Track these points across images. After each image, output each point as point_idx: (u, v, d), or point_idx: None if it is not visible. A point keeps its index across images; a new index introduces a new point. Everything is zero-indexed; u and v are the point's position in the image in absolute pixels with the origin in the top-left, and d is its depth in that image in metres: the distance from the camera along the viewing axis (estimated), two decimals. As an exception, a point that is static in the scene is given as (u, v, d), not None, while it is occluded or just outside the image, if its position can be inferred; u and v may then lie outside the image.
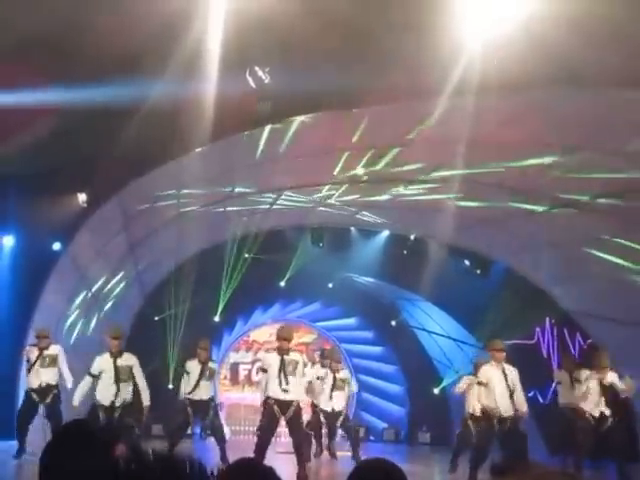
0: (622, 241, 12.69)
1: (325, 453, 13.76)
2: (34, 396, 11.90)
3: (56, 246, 14.05)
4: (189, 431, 15.72)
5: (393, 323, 20.14)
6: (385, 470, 2.68)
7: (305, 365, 10.77)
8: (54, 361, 12.12)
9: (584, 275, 14.19)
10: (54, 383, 12.02)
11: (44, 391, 11.92)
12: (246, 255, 17.54)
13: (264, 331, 21.37)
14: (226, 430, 20.04)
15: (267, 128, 11.03)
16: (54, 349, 12.18)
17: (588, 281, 14.12)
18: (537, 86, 8.66)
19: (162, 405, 14.04)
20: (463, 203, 13.69)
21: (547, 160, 11.07)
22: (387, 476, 2.63)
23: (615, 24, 7.28)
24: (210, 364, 12.53)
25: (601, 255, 13.42)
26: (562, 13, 6.95)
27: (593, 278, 13.91)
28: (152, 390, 12.31)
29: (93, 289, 15.77)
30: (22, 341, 13.33)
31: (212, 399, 12.46)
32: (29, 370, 12.05)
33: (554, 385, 13.16)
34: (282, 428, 11.24)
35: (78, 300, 15.46)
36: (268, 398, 10.28)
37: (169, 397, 12.60)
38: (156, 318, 18.01)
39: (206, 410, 12.19)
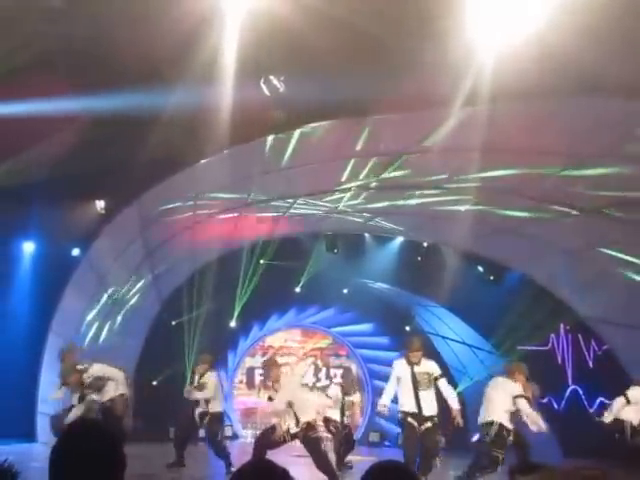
0: (638, 247, 12.69)
1: None
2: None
3: (75, 252, 14.27)
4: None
5: (408, 329, 20.17)
6: (398, 472, 2.76)
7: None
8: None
9: (599, 281, 14.17)
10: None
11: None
12: (262, 261, 17.64)
13: (279, 336, 21.50)
14: (242, 434, 20.22)
15: (283, 136, 11.15)
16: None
17: (603, 287, 14.10)
18: (551, 95, 8.72)
19: (179, 409, 14.12)
20: (477, 209, 13.74)
21: (562, 168, 11.11)
22: (401, 478, 2.71)
23: (628, 34, 7.34)
24: (205, 378, 12.15)
25: (616, 261, 13.42)
26: (575, 23, 7.01)
27: (608, 284, 13.90)
28: (169, 395, 12.44)
29: (111, 294, 15.93)
30: (42, 345, 13.53)
31: (206, 412, 12.04)
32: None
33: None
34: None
35: (97, 305, 15.62)
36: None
37: (186, 401, 12.68)
38: (173, 323, 18.14)
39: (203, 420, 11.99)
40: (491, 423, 10.07)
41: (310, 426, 9.71)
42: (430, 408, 9.67)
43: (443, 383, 9.95)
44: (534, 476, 1.37)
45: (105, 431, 2.53)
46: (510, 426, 10.06)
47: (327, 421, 13.40)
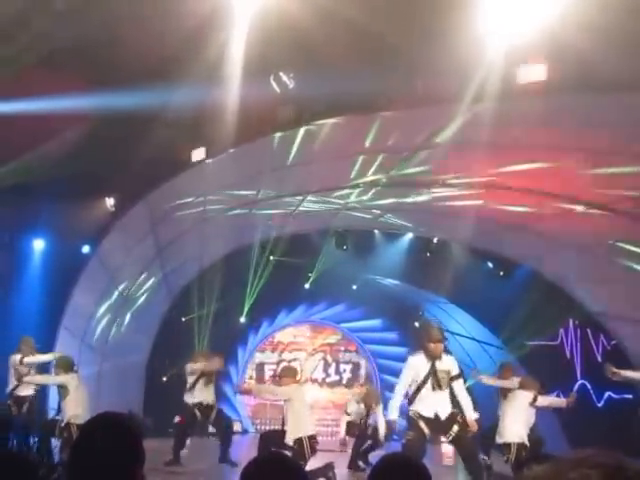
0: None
1: None
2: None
3: (85, 249, 14.36)
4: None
5: (417, 325, 20.20)
6: (407, 464, 2.80)
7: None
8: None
9: (609, 276, 14.15)
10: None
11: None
12: (271, 258, 17.68)
13: (289, 332, 21.57)
14: (251, 429, 20.31)
15: (292, 132, 11.17)
16: None
17: (613, 282, 14.08)
18: (561, 91, 8.71)
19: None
20: (486, 205, 13.74)
21: (573, 163, 11.09)
22: (409, 470, 2.75)
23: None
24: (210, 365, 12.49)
25: (626, 257, 13.40)
26: (586, 19, 7.00)
27: (618, 280, 13.88)
28: (179, 390, 12.52)
29: (122, 291, 16.00)
30: (52, 342, 13.59)
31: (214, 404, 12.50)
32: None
33: None
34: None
35: (107, 302, 15.69)
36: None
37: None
38: (183, 319, 18.21)
39: (208, 413, 12.32)
40: (509, 445, 9.83)
41: (300, 445, 9.51)
42: (446, 410, 8.56)
43: (460, 385, 8.81)
44: (542, 467, 1.39)
45: (125, 425, 2.57)
46: (527, 441, 9.90)
47: (351, 425, 13.56)
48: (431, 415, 8.50)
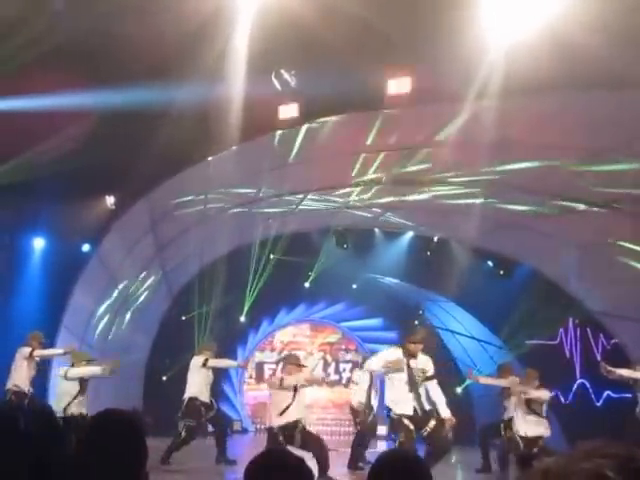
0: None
1: None
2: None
3: (85, 248, 14.35)
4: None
5: (416, 323, 20.18)
6: (407, 459, 2.80)
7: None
8: None
9: (609, 276, 14.16)
10: None
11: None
12: (272, 257, 17.66)
13: (289, 331, 21.55)
14: (251, 428, 20.30)
15: (293, 130, 11.16)
16: None
17: (613, 282, 14.09)
18: (565, 89, 8.70)
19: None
20: (488, 203, 13.73)
21: (575, 162, 11.08)
22: (409, 465, 2.74)
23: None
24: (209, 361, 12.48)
25: (626, 256, 13.40)
26: (587, 15, 7.00)
27: (618, 279, 13.88)
28: (179, 389, 12.52)
29: (122, 290, 15.99)
30: (53, 341, 13.58)
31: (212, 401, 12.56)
32: None
33: None
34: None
35: (107, 301, 15.68)
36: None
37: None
38: (183, 318, 18.19)
39: (208, 411, 12.39)
40: (509, 438, 10.40)
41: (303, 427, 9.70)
42: (422, 407, 8.74)
43: (433, 385, 8.96)
44: (552, 459, 1.37)
45: (129, 422, 2.56)
46: (522, 429, 10.19)
47: (354, 411, 13.47)
48: (410, 412, 8.70)
